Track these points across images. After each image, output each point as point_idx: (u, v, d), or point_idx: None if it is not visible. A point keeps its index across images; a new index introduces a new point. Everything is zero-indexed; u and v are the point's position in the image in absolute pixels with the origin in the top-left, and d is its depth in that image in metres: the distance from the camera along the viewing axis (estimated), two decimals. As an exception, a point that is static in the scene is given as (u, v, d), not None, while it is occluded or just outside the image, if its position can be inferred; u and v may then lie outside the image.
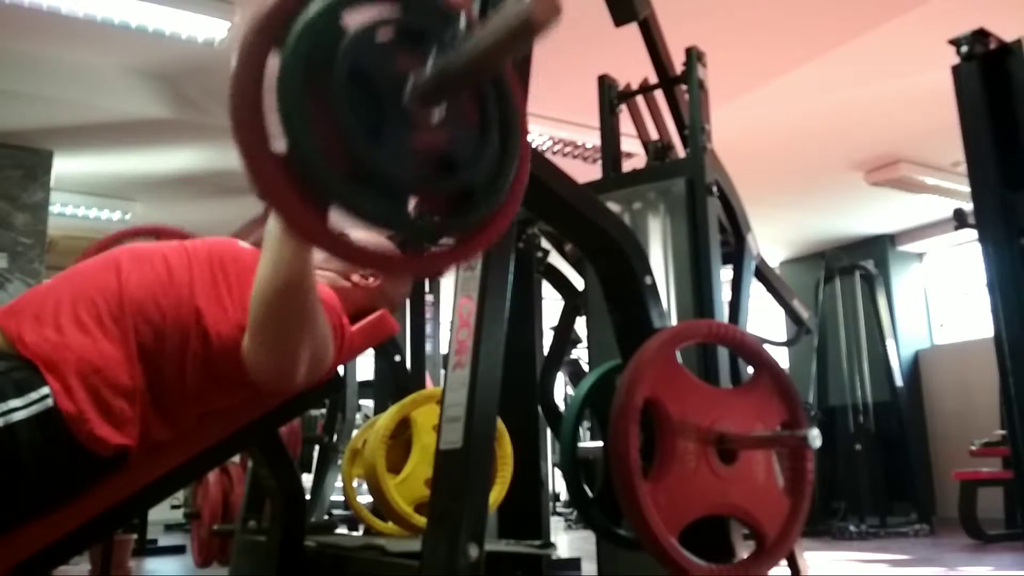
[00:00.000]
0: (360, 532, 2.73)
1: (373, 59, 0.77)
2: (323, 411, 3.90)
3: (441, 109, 0.80)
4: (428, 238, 0.84)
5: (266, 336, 1.24)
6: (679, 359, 1.30)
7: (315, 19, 0.74)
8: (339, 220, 0.77)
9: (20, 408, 1.16)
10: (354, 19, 0.77)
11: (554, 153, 5.22)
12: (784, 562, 1.42)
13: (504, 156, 0.87)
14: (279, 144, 0.73)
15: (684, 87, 2.30)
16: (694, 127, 2.18)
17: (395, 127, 0.77)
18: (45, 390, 1.19)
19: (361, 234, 0.81)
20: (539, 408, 2.95)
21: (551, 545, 1.98)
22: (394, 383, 3.20)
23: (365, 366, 3.92)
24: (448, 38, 0.80)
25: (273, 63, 0.74)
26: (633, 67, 2.47)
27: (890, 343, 6.44)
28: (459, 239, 0.86)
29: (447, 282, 4.53)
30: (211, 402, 1.37)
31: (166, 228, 2.14)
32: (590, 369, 2.08)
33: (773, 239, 7.29)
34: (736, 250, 2.24)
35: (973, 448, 5.07)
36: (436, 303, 5.00)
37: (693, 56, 2.23)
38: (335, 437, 3.64)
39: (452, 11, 0.83)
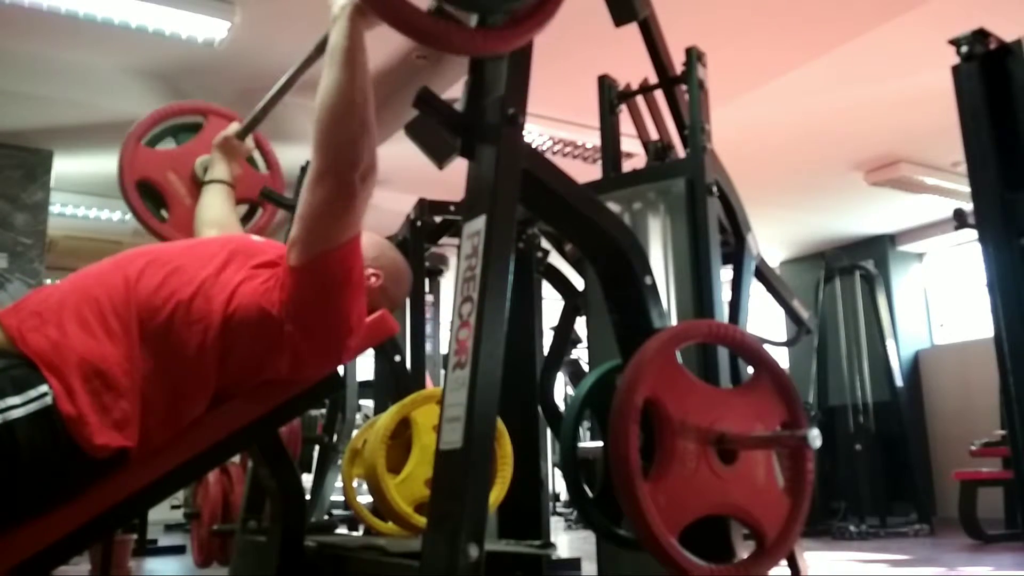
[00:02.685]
0: (360, 532, 2.74)
1: None
2: (323, 411, 3.90)
3: None
4: (483, 11, 0.91)
5: (333, 145, 1.29)
6: (679, 359, 1.30)
7: None
8: None
9: (19, 406, 1.16)
10: None
11: (554, 153, 5.22)
12: (784, 562, 1.41)
13: None
14: None
15: (684, 87, 2.30)
16: (694, 127, 2.18)
17: None
18: (44, 388, 1.19)
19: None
20: (539, 408, 2.96)
21: (551, 545, 1.98)
22: (394, 383, 3.20)
23: (365, 366, 3.92)
24: None
25: None
26: (633, 67, 2.47)
27: (890, 343, 6.44)
28: (510, 20, 0.91)
29: (447, 282, 4.54)
30: (234, 386, 1.38)
31: (215, 108, 2.18)
32: (590, 369, 2.08)
33: (773, 239, 7.29)
34: (736, 250, 2.24)
35: (973, 448, 5.07)
36: (436, 303, 5.01)
37: (693, 56, 2.23)
38: (335, 437, 3.65)
39: None
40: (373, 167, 1.35)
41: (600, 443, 1.68)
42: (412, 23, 0.83)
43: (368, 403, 4.25)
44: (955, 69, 1.93)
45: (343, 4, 1.32)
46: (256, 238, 1.58)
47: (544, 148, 5.15)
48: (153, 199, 2.07)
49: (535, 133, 4.94)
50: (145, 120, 2.13)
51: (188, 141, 2.14)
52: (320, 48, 1.51)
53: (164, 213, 2.07)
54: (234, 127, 1.98)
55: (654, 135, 2.56)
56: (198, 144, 2.11)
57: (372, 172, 1.36)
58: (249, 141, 2.05)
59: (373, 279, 1.61)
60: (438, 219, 3.32)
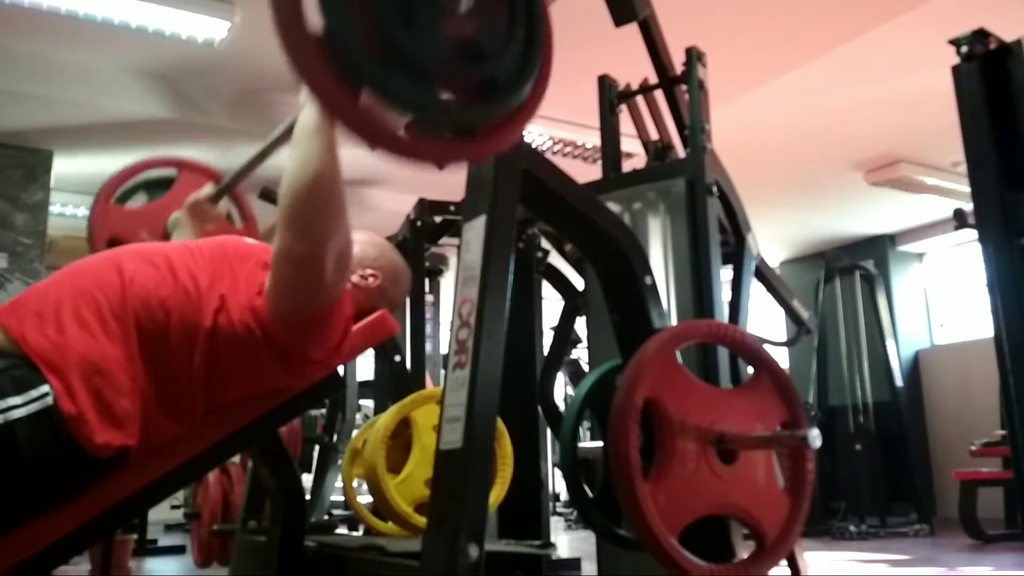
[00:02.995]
0: (360, 532, 2.73)
1: None
2: (323, 411, 3.90)
3: (470, 1, 0.84)
4: (453, 125, 0.87)
5: (298, 225, 1.26)
6: (679, 359, 1.30)
7: None
8: (369, 102, 0.80)
9: (20, 406, 1.16)
10: None
11: (554, 153, 5.22)
12: (784, 562, 1.41)
13: (528, 53, 0.91)
14: (316, 23, 0.77)
15: (684, 87, 2.30)
16: (694, 127, 2.18)
17: (426, 13, 0.81)
18: (45, 388, 1.19)
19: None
20: (539, 408, 2.96)
21: (551, 545, 1.98)
22: (394, 383, 3.20)
23: (365, 366, 3.92)
24: None
25: None
26: (633, 67, 2.47)
27: (890, 343, 6.44)
28: (483, 130, 0.89)
29: (447, 282, 4.54)
30: (221, 396, 1.37)
31: (188, 162, 2.12)
32: (590, 369, 2.08)
33: (773, 239, 7.29)
34: (736, 250, 2.24)
35: (973, 448, 5.07)
36: (436, 303, 5.00)
37: (693, 56, 2.23)
38: (335, 437, 3.65)
39: None
40: (345, 252, 1.34)
41: (600, 443, 1.68)
42: (389, 143, 0.81)
43: (368, 403, 4.25)
44: (955, 69, 1.93)
45: None
46: (250, 240, 1.57)
47: (544, 148, 5.15)
48: None
49: (535, 133, 4.94)
50: (115, 177, 2.07)
51: (160, 197, 2.09)
52: (291, 128, 1.49)
53: None
54: (207, 189, 1.87)
55: (654, 135, 2.56)
56: (170, 200, 2.03)
57: (345, 256, 1.34)
58: (223, 204, 1.93)
59: (372, 279, 1.61)
60: (438, 219, 3.32)
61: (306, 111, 1.29)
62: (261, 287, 1.35)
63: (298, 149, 1.27)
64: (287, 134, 1.52)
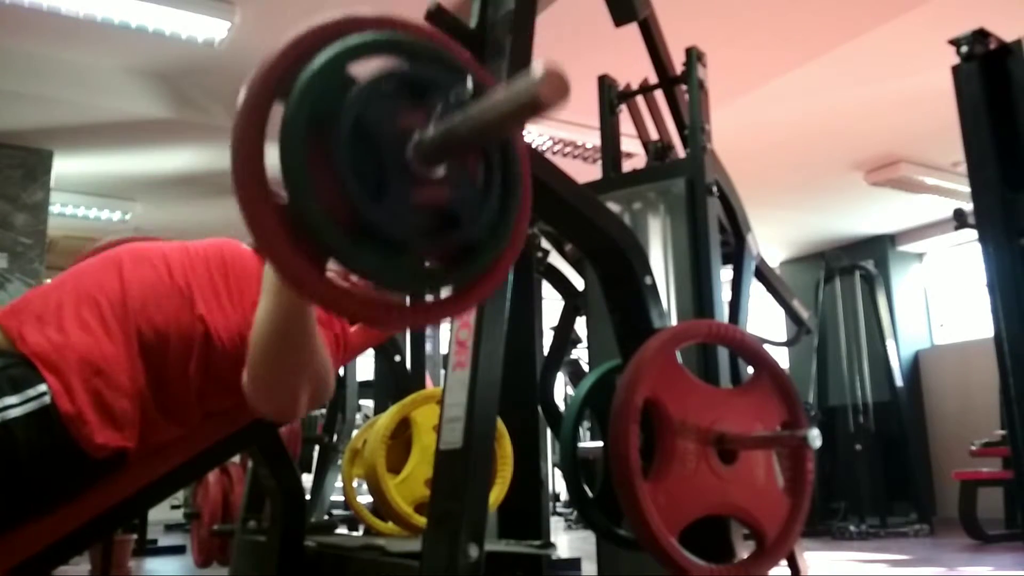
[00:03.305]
0: (360, 532, 2.73)
1: (377, 113, 0.75)
2: (323, 411, 3.90)
3: (444, 166, 0.78)
4: (428, 290, 0.83)
5: (265, 380, 1.23)
6: (679, 359, 1.30)
7: (320, 71, 0.73)
8: (337, 272, 0.76)
9: (16, 405, 1.16)
10: (360, 71, 0.75)
11: (554, 153, 5.22)
12: (784, 562, 1.41)
13: (506, 209, 0.86)
14: (279, 195, 0.72)
15: (684, 87, 2.30)
16: (694, 127, 2.18)
17: (397, 183, 0.75)
18: (42, 387, 1.18)
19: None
20: (539, 408, 2.95)
21: (551, 545, 1.98)
22: (394, 383, 3.20)
23: (365, 366, 3.92)
24: (454, 96, 0.79)
25: (276, 113, 0.72)
26: (633, 67, 2.47)
27: (890, 343, 6.44)
28: (459, 290, 0.85)
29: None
30: (214, 403, 1.37)
31: (139, 239, 2.09)
32: (590, 369, 2.08)
33: (773, 239, 7.29)
34: (736, 250, 2.24)
35: (973, 448, 5.07)
36: (436, 303, 5.00)
37: (693, 56, 2.23)
38: (335, 437, 3.64)
39: (460, 69, 0.82)
40: (322, 387, 1.31)
41: (600, 443, 1.68)
42: (345, 309, 0.78)
43: (368, 403, 4.25)
44: (955, 69, 1.93)
45: None
46: (247, 246, 1.56)
47: (544, 148, 5.15)
48: None
49: (535, 133, 4.94)
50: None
51: None
52: None
53: None
54: None
55: (654, 135, 2.56)
56: None
57: (321, 391, 1.32)
58: None
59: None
60: (438, 219, 3.31)
61: (268, 268, 1.24)
62: (250, 313, 1.31)
63: (266, 298, 1.22)
64: None
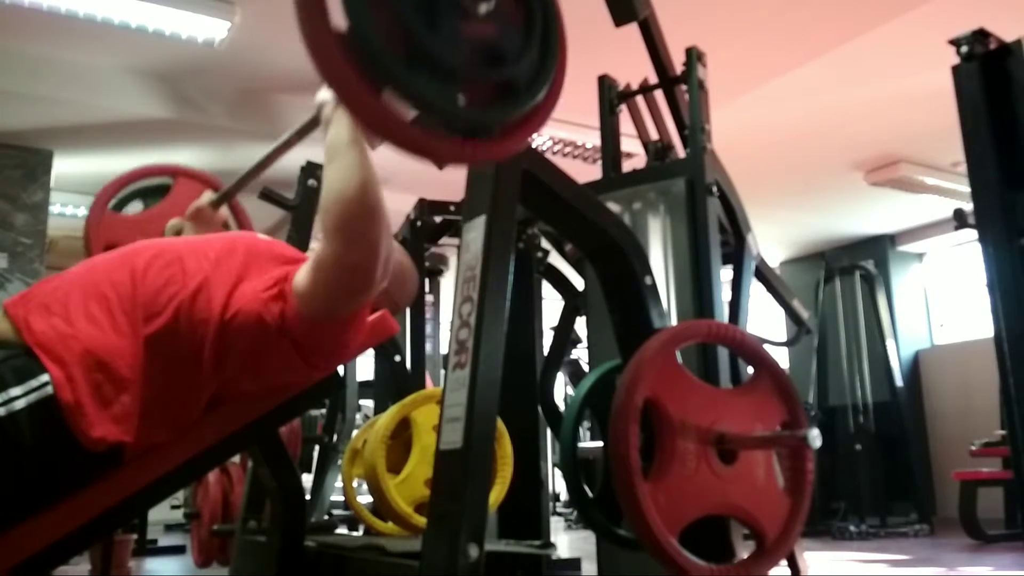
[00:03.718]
0: (360, 532, 2.73)
1: None
2: (323, 411, 3.90)
3: (490, 3, 0.86)
4: (473, 124, 0.90)
5: (350, 233, 1.27)
6: (679, 359, 1.30)
7: None
8: (390, 101, 0.82)
9: (20, 396, 1.16)
10: None
11: (554, 153, 5.22)
12: (784, 562, 1.41)
13: (544, 56, 0.94)
14: (339, 23, 0.78)
15: (684, 87, 2.30)
16: (694, 127, 2.18)
17: (448, 15, 0.84)
18: (45, 377, 1.19)
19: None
20: (539, 408, 2.95)
21: (551, 545, 1.98)
22: (394, 383, 3.20)
23: (365, 366, 3.92)
24: None
25: None
26: (633, 67, 2.47)
27: (890, 343, 6.44)
28: (500, 132, 0.92)
29: (447, 282, 4.54)
30: (224, 391, 1.37)
31: (184, 169, 2.13)
32: (590, 369, 2.08)
33: (773, 239, 7.29)
34: (736, 250, 2.24)
35: (973, 448, 5.07)
36: (436, 303, 5.01)
37: (693, 56, 2.23)
38: (335, 437, 3.65)
39: None
40: (391, 255, 1.35)
41: (600, 443, 1.68)
42: (407, 139, 0.85)
43: (368, 403, 4.25)
44: (955, 69, 1.93)
45: (335, 104, 1.33)
46: (262, 236, 1.58)
47: (544, 148, 5.15)
48: None
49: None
50: (111, 184, 2.09)
51: (156, 204, 2.10)
52: (302, 131, 1.49)
53: None
54: (207, 196, 1.89)
55: (654, 135, 2.56)
56: (167, 207, 2.05)
57: (392, 258, 1.36)
58: (223, 209, 1.95)
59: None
60: (438, 219, 3.32)
61: (336, 123, 1.31)
62: (275, 281, 1.35)
63: (338, 160, 1.29)
64: (295, 138, 1.54)
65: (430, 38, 0.81)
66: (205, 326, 1.31)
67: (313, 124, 1.42)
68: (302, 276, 1.32)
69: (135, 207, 2.15)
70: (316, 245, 1.35)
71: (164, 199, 2.10)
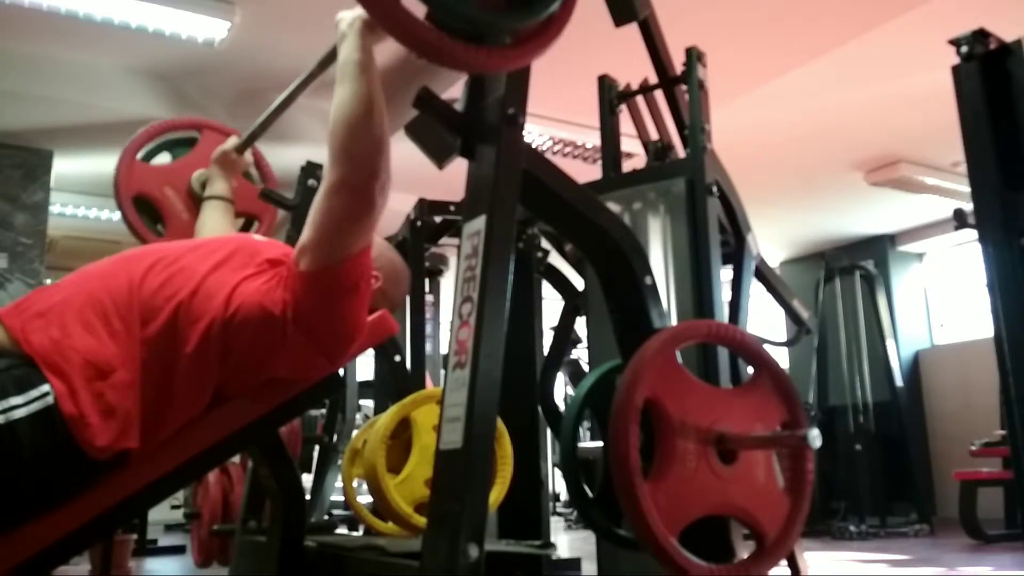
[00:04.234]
0: (360, 532, 2.73)
1: None
2: (323, 411, 3.90)
3: None
4: (488, 29, 0.90)
5: (356, 155, 1.31)
6: (679, 359, 1.30)
7: None
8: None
9: (21, 406, 1.16)
10: None
11: (554, 153, 5.22)
12: (784, 562, 1.41)
13: None
14: None
15: (684, 87, 2.30)
16: (694, 127, 2.18)
17: None
18: (45, 387, 1.19)
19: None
20: (539, 408, 2.95)
21: (551, 545, 1.98)
22: (394, 383, 3.20)
23: (365, 366, 3.92)
24: None
25: None
26: (633, 67, 2.47)
27: (890, 343, 6.44)
28: (514, 40, 0.93)
29: (447, 282, 4.54)
30: (228, 388, 1.38)
31: (210, 123, 2.22)
32: (590, 369, 2.08)
33: (773, 239, 7.29)
34: (736, 250, 2.24)
35: (973, 448, 5.07)
36: (436, 303, 5.00)
37: (693, 56, 2.23)
38: (335, 437, 3.64)
39: None
40: (389, 178, 1.37)
41: (600, 443, 1.68)
42: (420, 38, 0.85)
43: (368, 403, 4.25)
44: (955, 69, 1.93)
45: (351, 20, 1.37)
46: (258, 237, 1.58)
47: (544, 148, 5.15)
48: (150, 214, 2.08)
49: (535, 133, 4.94)
50: (140, 135, 2.14)
51: (184, 155, 2.15)
52: (323, 63, 1.54)
53: (160, 228, 2.08)
54: (232, 141, 1.98)
55: (654, 135, 2.56)
56: (194, 158, 2.11)
57: (388, 183, 1.38)
58: (247, 155, 2.04)
59: (373, 280, 1.61)
60: (438, 219, 3.32)
61: (347, 43, 1.35)
62: (274, 276, 1.37)
63: (348, 83, 1.33)
64: (317, 71, 1.59)
65: None
66: (206, 322, 1.31)
67: (333, 56, 1.45)
68: (305, 230, 1.35)
69: (163, 158, 2.19)
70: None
71: (191, 151, 2.16)
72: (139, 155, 2.13)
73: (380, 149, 1.32)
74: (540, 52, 0.97)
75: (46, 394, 1.18)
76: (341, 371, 2.08)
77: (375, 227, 1.40)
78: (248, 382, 1.40)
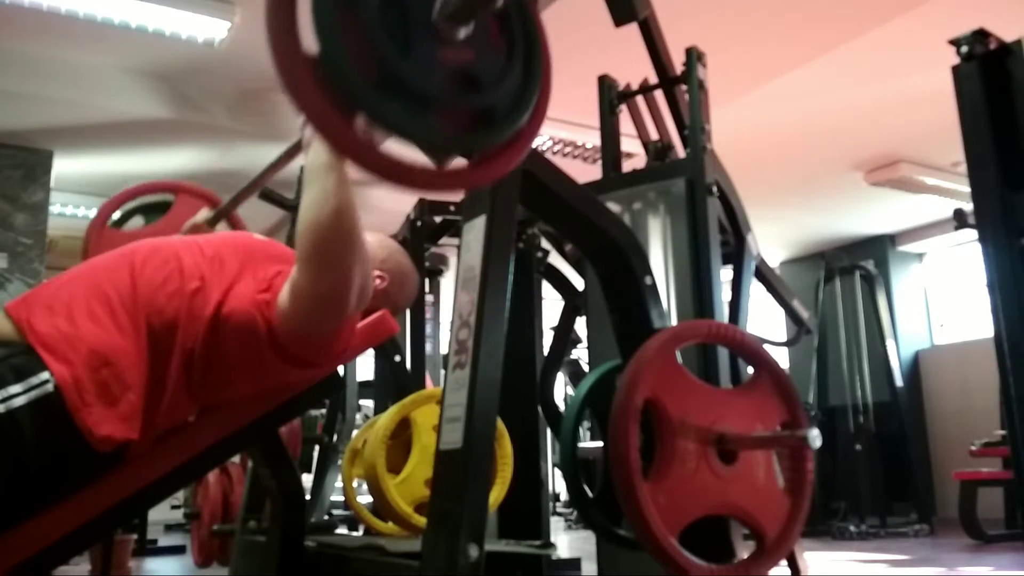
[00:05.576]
0: (360, 532, 2.73)
1: None
2: (323, 411, 3.90)
3: (468, 28, 0.83)
4: (449, 152, 0.86)
5: (323, 261, 1.25)
6: (679, 359, 1.30)
7: None
8: (364, 128, 0.79)
9: (20, 394, 1.16)
10: None
11: (554, 153, 5.22)
12: (784, 562, 1.41)
13: (527, 81, 0.90)
14: (311, 48, 0.76)
15: (684, 87, 2.30)
16: (694, 127, 2.18)
17: (423, 40, 0.80)
18: (44, 375, 1.19)
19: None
20: (539, 408, 2.96)
21: (551, 545, 1.98)
22: (394, 383, 3.20)
23: (365, 366, 3.92)
24: None
25: None
26: (633, 67, 2.47)
27: (890, 343, 6.44)
28: (480, 159, 0.88)
29: (447, 282, 4.54)
30: (218, 392, 1.38)
31: (185, 186, 2.15)
32: (590, 369, 2.08)
33: (773, 239, 7.29)
34: (736, 250, 2.24)
35: (973, 448, 5.07)
36: (436, 303, 5.01)
37: (693, 56, 2.23)
38: (335, 437, 3.65)
39: None
40: (367, 282, 1.35)
41: (600, 443, 1.68)
42: (377, 166, 0.80)
43: (368, 403, 4.25)
44: (955, 69, 1.93)
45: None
46: (258, 236, 1.58)
47: (544, 148, 5.15)
48: None
49: (535, 133, 4.94)
50: (113, 199, 2.11)
51: (157, 221, 2.11)
52: (288, 154, 1.49)
53: None
54: (203, 214, 1.90)
55: (654, 135, 2.56)
56: (168, 223, 2.06)
57: (369, 284, 1.36)
58: (221, 226, 1.97)
59: (378, 281, 1.61)
60: (438, 219, 3.32)
61: (314, 149, 1.29)
62: (268, 284, 1.35)
63: (313, 186, 1.26)
64: (284, 159, 1.53)
65: (403, 64, 0.78)
66: (201, 324, 1.31)
67: (299, 147, 1.41)
68: (283, 294, 1.31)
69: (135, 223, 2.16)
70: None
71: (165, 215, 2.11)
72: (113, 218, 2.10)
73: (351, 252, 1.26)
74: (508, 166, 0.91)
75: (45, 382, 1.18)
76: (341, 371, 2.08)
77: (353, 312, 1.36)
78: (240, 387, 1.40)
